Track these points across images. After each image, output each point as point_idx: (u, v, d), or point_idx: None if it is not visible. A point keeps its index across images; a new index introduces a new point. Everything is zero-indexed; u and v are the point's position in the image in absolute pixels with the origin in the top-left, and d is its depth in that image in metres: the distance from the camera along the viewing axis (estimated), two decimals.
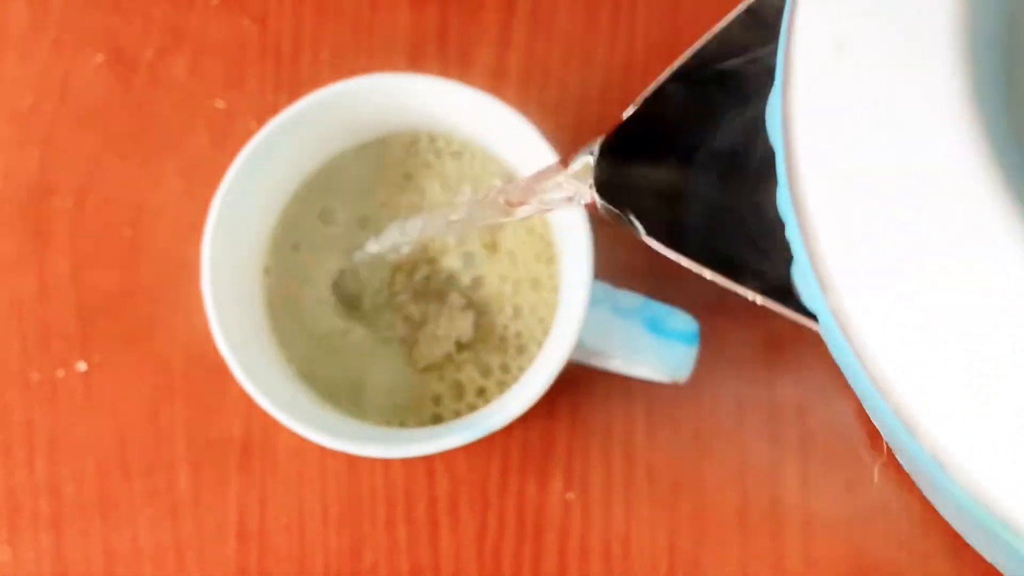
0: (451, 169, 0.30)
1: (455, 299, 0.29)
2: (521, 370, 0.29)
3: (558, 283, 0.29)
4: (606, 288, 0.28)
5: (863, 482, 0.32)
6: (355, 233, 0.30)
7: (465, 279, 0.30)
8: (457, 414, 0.29)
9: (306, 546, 0.32)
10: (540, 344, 0.29)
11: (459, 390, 0.29)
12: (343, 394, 0.29)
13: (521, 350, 0.29)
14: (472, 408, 0.29)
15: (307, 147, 0.29)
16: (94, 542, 0.32)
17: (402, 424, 0.29)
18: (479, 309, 0.29)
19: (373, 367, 0.30)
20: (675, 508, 0.32)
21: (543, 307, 0.29)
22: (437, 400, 0.29)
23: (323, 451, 0.32)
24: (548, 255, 0.29)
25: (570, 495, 0.32)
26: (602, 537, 0.32)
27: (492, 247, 0.30)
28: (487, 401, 0.29)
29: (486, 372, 0.29)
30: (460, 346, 0.29)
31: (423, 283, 0.30)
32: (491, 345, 0.29)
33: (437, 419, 0.29)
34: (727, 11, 0.34)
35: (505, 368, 0.29)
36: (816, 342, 0.35)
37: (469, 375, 0.29)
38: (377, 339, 0.30)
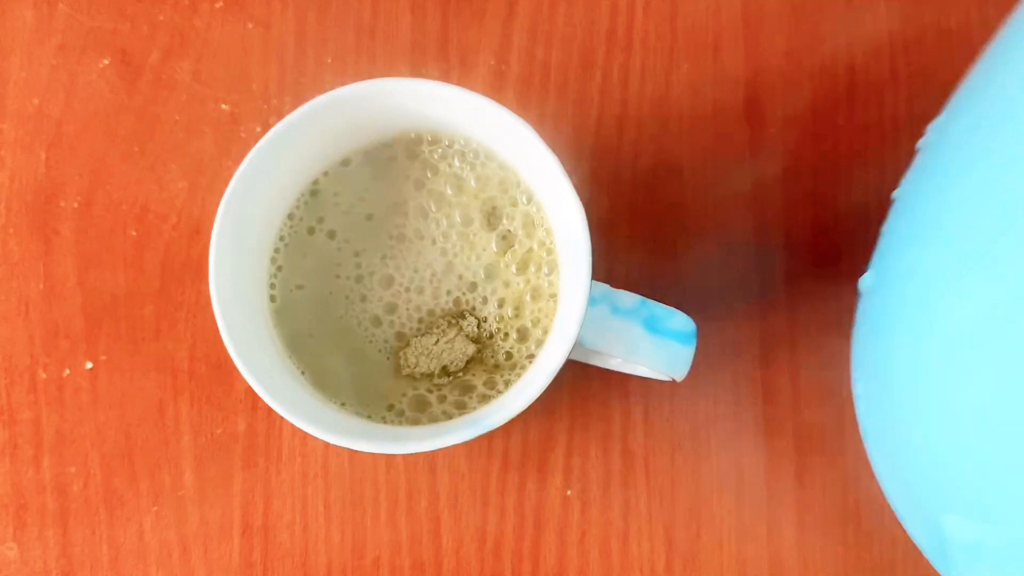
0: (456, 169, 0.30)
1: (468, 324, 0.30)
2: (508, 384, 0.29)
3: (558, 291, 0.29)
4: (605, 288, 0.28)
5: (858, 478, 0.32)
6: (360, 233, 0.30)
7: (474, 302, 0.30)
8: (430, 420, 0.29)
9: (309, 542, 0.33)
10: (533, 358, 0.29)
11: (423, 403, 0.30)
12: (330, 385, 0.29)
13: (514, 366, 0.29)
14: (447, 417, 0.29)
15: (312, 150, 0.29)
16: (100, 538, 0.33)
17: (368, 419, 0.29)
18: (483, 343, 0.30)
19: (361, 360, 0.30)
20: (673, 504, 0.33)
21: (545, 318, 0.29)
22: (390, 407, 0.29)
23: (326, 448, 0.33)
24: (551, 263, 0.30)
25: (569, 491, 0.33)
26: (601, 532, 0.32)
27: (492, 273, 0.30)
28: (463, 413, 0.29)
29: (467, 390, 0.29)
30: (444, 370, 0.29)
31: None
32: (479, 368, 0.30)
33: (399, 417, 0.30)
34: (722, 14, 0.35)
35: (491, 384, 0.29)
36: (814, 340, 0.36)
37: (446, 392, 0.30)
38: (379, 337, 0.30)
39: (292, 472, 0.33)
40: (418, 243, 0.30)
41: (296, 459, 0.33)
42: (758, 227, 0.34)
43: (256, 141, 0.28)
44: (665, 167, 0.34)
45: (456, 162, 0.30)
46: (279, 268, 0.30)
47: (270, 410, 0.33)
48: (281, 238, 0.30)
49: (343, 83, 0.33)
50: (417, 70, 0.34)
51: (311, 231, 0.30)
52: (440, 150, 0.30)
